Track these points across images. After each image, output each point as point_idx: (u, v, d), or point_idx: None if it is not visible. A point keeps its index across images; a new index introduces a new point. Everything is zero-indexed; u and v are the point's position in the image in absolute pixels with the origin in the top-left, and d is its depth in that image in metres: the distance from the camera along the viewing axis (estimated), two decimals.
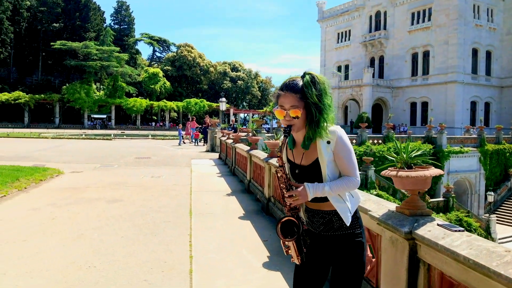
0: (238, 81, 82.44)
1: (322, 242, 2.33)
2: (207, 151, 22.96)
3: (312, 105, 2.15)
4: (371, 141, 29.68)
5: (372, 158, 23.58)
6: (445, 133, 32.66)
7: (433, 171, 2.77)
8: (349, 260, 2.24)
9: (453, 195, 27.18)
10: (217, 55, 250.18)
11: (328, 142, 2.19)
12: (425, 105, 47.35)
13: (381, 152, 27.29)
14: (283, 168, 2.25)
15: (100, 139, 34.86)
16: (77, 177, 11.92)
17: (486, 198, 35.09)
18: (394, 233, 2.83)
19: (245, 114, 79.82)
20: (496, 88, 47.76)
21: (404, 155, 2.90)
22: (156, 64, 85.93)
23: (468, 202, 35.40)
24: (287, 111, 2.18)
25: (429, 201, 25.48)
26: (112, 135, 40.09)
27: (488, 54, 47.03)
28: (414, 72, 48.34)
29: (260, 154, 8.71)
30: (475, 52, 45.76)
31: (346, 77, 53.92)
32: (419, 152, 2.97)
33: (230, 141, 14.72)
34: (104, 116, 68.63)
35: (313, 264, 2.36)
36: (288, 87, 2.20)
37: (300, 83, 2.19)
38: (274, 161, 7.18)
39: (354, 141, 28.65)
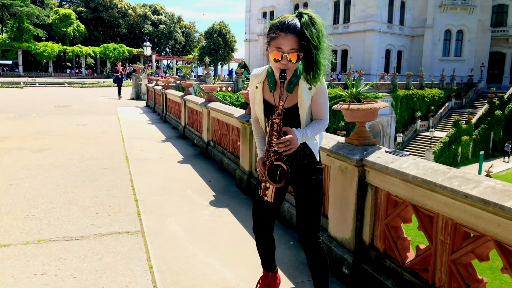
0: (160, 25, 77.87)
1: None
2: (132, 98, 21.96)
3: (312, 48, 2.01)
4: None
5: None
6: (363, 80, 34.54)
7: (381, 104, 2.99)
8: (311, 185, 2.39)
9: None
10: None
11: (310, 88, 2.20)
12: (345, 53, 49.24)
13: None
14: (280, 118, 2.17)
15: (8, 87, 31.46)
16: None
17: (395, 139, 38.53)
18: (345, 161, 3.06)
19: (169, 61, 76.61)
20: (408, 37, 50.91)
21: (354, 90, 3.08)
22: (67, 5, 77.67)
23: (380, 143, 38.58)
24: (285, 54, 2.04)
25: None
26: (22, 83, 36.34)
27: (403, 4, 49.49)
28: (335, 20, 49.53)
29: (196, 99, 8.59)
30: (391, 2, 47.86)
31: None
32: (366, 87, 3.17)
33: (159, 87, 14.22)
34: (10, 62, 61.60)
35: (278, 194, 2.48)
36: (290, 28, 2.01)
37: (298, 23, 2.03)
38: (213, 105, 7.16)
39: None
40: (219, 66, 62.09)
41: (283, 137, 2.15)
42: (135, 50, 65.52)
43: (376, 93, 35.59)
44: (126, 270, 3.27)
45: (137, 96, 21.82)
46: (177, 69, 54.62)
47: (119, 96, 21.30)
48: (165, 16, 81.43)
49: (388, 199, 2.79)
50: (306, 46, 2.01)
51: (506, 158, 37.53)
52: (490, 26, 50.22)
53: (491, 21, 50.52)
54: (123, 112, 14.86)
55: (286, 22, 2.04)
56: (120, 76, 21.45)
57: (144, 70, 23.60)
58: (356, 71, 37.21)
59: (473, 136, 37.82)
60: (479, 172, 30.77)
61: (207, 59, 34.36)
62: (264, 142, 2.43)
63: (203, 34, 60.54)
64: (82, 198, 5.04)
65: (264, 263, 2.72)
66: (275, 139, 2.18)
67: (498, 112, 39.73)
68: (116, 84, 21.99)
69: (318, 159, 2.43)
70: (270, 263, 2.71)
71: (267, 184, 2.29)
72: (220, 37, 56.00)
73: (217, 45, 55.62)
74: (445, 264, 2.31)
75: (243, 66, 40.36)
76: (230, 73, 46.63)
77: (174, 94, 11.05)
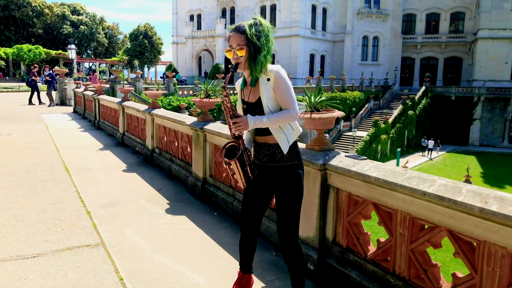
0: (81, 26, 73.52)
1: (266, 172, 2.64)
2: (56, 104, 20.64)
3: (250, 43, 2.40)
4: (230, 91, 30.72)
5: None
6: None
7: (339, 113, 3.30)
8: (289, 188, 2.59)
9: (298, 138, 30.53)
10: None
11: (268, 80, 2.47)
12: (272, 57, 50.48)
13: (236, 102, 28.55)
14: (227, 98, 2.47)
15: None
16: None
17: None
18: (307, 166, 3.32)
19: (91, 63, 72.71)
20: (330, 42, 53.73)
21: (313, 100, 3.36)
22: None
23: (307, 143, 40.22)
24: (234, 49, 2.43)
25: None
26: None
27: (324, 11, 52.15)
28: None
29: (137, 105, 8.42)
30: (314, 8, 50.19)
31: (199, 27, 53.48)
32: (323, 98, 3.47)
33: (89, 93, 13.60)
34: None
35: (258, 191, 2.70)
36: (235, 28, 2.47)
37: (246, 26, 2.44)
38: (158, 111, 7.11)
39: None
40: (146, 69, 60.40)
41: (235, 118, 2.44)
42: (53, 52, 61.26)
43: (303, 96, 37.08)
44: (96, 284, 3.23)
45: (62, 102, 20.56)
46: (100, 72, 52.09)
47: (39, 102, 19.66)
48: (86, 17, 77.14)
49: (350, 198, 3.10)
50: (251, 43, 2.40)
51: (424, 152, 41.14)
52: (401, 33, 54.74)
53: (402, 28, 55.09)
54: (50, 119, 13.97)
55: (237, 25, 2.49)
56: (34, 81, 19.42)
57: (71, 74, 22.15)
58: None
59: (390, 135, 40.91)
60: None
61: (136, 62, 33.22)
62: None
63: (128, 36, 58.43)
64: (27, 214, 4.78)
65: (243, 263, 2.87)
66: (229, 119, 2.48)
67: (410, 112, 43.40)
68: (30, 88, 20.03)
69: (296, 162, 2.60)
70: (248, 264, 2.87)
71: (231, 166, 2.53)
72: (146, 39, 54.60)
73: (143, 47, 54.17)
74: (404, 254, 2.65)
75: (172, 69, 39.75)
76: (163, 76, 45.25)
77: (109, 100, 10.68)
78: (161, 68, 72.31)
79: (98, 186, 6.10)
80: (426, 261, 2.57)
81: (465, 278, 2.31)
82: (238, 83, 2.67)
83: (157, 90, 7.64)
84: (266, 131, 2.56)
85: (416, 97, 45.10)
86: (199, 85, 5.63)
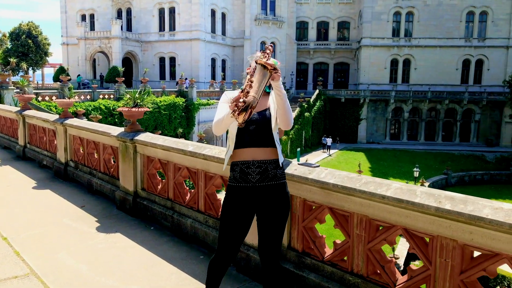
0: None
1: (255, 194, 2.51)
2: None
3: None
4: (128, 95, 29.33)
5: None
6: (195, 87, 35.66)
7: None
8: (282, 209, 2.55)
9: (204, 142, 30.55)
10: None
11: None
12: (173, 60, 49.67)
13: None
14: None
15: None
16: None
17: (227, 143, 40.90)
18: None
19: None
20: (230, 47, 54.62)
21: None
22: None
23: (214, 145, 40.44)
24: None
25: None
26: None
27: (224, 16, 52.82)
28: (161, 28, 49.50)
29: (44, 115, 7.65)
30: (213, 13, 50.52)
31: (93, 28, 50.17)
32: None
33: None
34: None
35: (243, 215, 2.56)
36: None
37: None
38: (74, 122, 6.57)
39: (112, 96, 27.75)
40: (31, 72, 54.70)
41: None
42: None
43: (208, 99, 37.20)
44: None
45: None
46: None
47: None
48: None
49: (304, 204, 3.26)
50: None
51: (325, 149, 44.02)
52: (296, 39, 57.94)
53: (296, 35, 58.35)
54: None
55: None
56: None
57: None
58: (187, 79, 38.07)
59: (290, 136, 43.12)
60: None
61: (24, 65, 29.79)
62: None
63: (7, 35, 52.25)
64: None
65: (212, 286, 2.68)
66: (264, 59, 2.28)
67: (307, 114, 46.22)
68: None
69: (284, 180, 2.61)
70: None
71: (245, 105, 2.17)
72: (30, 39, 49.44)
73: (27, 48, 48.96)
74: (361, 253, 2.89)
75: (63, 72, 36.60)
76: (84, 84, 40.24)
77: (4, 109, 9.51)
78: (49, 71, 66.23)
79: (8, 207, 5.43)
80: (383, 257, 2.84)
81: (420, 270, 2.61)
82: (229, 94, 2.56)
83: (69, 98, 7.04)
84: (259, 141, 2.47)
85: (311, 100, 48.13)
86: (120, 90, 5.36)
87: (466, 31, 51.01)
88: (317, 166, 3.22)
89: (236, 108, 2.16)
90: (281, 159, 2.59)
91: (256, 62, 2.33)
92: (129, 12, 50.42)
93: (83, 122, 6.44)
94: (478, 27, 50.80)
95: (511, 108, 44.13)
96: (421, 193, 2.52)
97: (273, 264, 2.59)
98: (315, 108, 48.00)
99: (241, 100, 2.17)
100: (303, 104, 46.25)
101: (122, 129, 5.35)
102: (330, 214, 3.09)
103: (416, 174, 31.15)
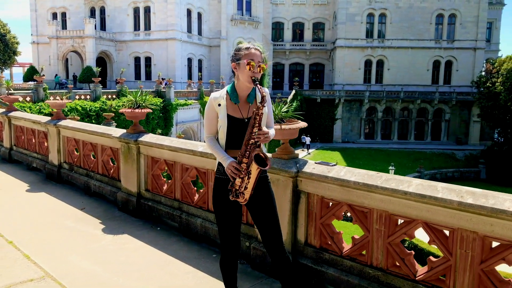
0: None
1: None
2: None
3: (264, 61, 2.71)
4: (105, 96, 28.87)
5: (113, 114, 23.21)
6: (173, 87, 35.33)
7: (303, 124, 3.57)
8: (269, 198, 2.74)
9: None
10: None
11: (262, 97, 2.61)
12: (148, 60, 49.01)
13: (117, 107, 26.96)
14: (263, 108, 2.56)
15: None
16: None
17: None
18: (278, 174, 3.50)
19: None
20: (206, 47, 54.37)
21: (277, 111, 3.58)
22: None
23: None
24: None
25: None
26: None
27: (200, 16, 52.52)
28: (136, 27, 48.75)
29: (35, 117, 7.49)
30: (189, 13, 50.16)
31: (65, 27, 48.87)
32: (285, 109, 3.71)
33: None
34: None
35: (237, 209, 2.72)
36: (257, 47, 2.78)
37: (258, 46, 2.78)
38: (69, 123, 6.47)
39: (88, 96, 27.17)
40: None
41: (263, 129, 2.51)
42: None
43: (186, 100, 36.93)
44: None
45: None
46: None
47: None
48: None
49: (322, 202, 3.38)
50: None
51: (304, 148, 44.44)
52: (271, 40, 58.25)
53: (272, 35, 58.67)
54: None
55: (253, 43, 2.77)
56: None
57: None
58: (164, 79, 37.68)
59: None
60: None
61: None
62: (224, 152, 2.65)
63: None
64: None
65: (230, 285, 2.83)
66: (256, 130, 2.49)
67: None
68: None
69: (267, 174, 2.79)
70: (235, 285, 2.87)
71: (250, 174, 2.48)
72: None
73: None
74: (381, 247, 3.03)
75: (34, 71, 35.51)
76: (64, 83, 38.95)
77: None
78: (18, 70, 64.10)
79: (5, 211, 5.32)
80: (402, 250, 2.99)
81: (440, 261, 2.77)
82: (219, 100, 2.65)
83: (61, 98, 6.92)
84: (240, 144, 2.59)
85: (288, 100, 48.53)
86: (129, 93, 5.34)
87: (436, 33, 52.66)
88: (334, 165, 3.35)
89: (233, 194, 2.54)
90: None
91: (254, 158, 2.46)
92: (102, 11, 49.42)
93: (80, 124, 6.36)
94: (447, 29, 52.51)
95: (479, 108, 45.85)
96: (442, 188, 2.68)
97: (280, 252, 2.70)
98: (292, 108, 48.34)
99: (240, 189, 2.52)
100: (281, 104, 46.57)
101: (123, 131, 5.32)
102: (349, 210, 3.21)
103: (391, 172, 31.98)
